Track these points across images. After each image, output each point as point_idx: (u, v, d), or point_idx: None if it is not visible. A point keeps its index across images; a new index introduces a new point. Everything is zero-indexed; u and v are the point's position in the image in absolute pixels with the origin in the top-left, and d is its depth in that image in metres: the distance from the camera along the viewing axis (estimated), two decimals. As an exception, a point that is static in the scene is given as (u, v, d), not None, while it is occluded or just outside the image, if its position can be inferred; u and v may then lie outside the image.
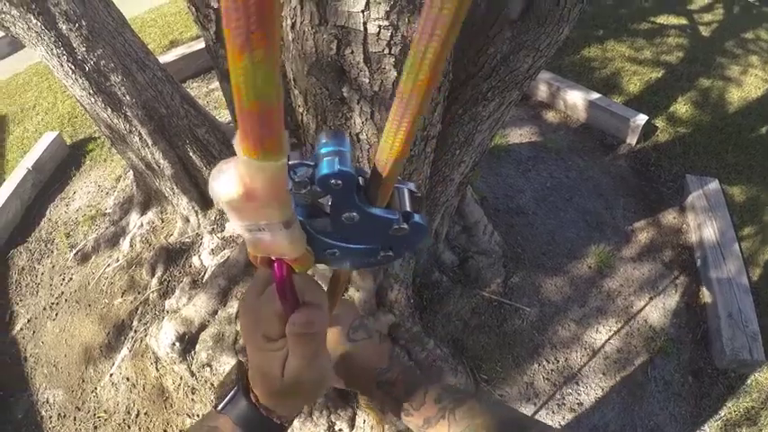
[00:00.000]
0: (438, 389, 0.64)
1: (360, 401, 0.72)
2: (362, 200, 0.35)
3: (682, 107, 3.77)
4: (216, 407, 0.48)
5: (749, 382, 2.40)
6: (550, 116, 3.67)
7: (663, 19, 4.90)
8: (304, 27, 1.09)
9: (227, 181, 0.26)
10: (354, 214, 0.34)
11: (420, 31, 0.23)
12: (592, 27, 4.66)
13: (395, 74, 1.12)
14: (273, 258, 0.37)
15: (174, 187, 2.17)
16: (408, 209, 0.37)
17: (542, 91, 3.79)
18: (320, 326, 0.40)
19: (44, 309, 2.40)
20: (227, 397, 0.48)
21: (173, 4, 4.90)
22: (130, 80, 1.73)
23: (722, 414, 2.29)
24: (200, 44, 3.63)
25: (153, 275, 2.30)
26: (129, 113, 1.78)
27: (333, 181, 0.32)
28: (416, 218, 0.37)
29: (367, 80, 1.14)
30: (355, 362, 0.64)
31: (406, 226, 0.36)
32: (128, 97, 1.75)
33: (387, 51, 1.07)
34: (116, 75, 1.67)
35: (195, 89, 3.73)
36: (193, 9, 1.27)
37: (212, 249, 2.24)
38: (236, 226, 0.30)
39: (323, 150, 0.32)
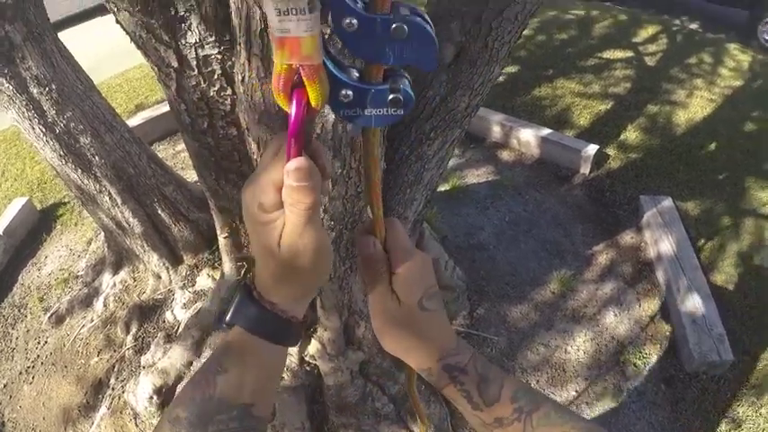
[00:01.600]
0: (514, 385, 0.65)
1: (408, 385, 0.76)
2: (356, 3, 0.42)
3: (632, 134, 4.45)
4: (224, 322, 0.54)
5: (722, 381, 2.84)
6: (505, 155, 4.28)
7: (609, 54, 5.71)
8: (252, 80, 1.50)
9: None
10: (352, 18, 0.42)
11: None
12: (541, 68, 5.42)
13: (333, 118, 1.52)
14: (291, 98, 0.45)
15: (145, 245, 2.58)
16: (407, 13, 0.44)
17: (496, 132, 4.42)
18: (315, 182, 0.45)
19: (20, 373, 2.75)
20: (232, 306, 0.54)
21: (138, 70, 5.49)
22: (99, 141, 2.16)
23: (700, 415, 2.72)
24: (166, 107, 4.16)
25: (128, 333, 2.67)
26: (98, 173, 2.21)
27: None
28: (414, 17, 0.43)
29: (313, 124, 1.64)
30: (421, 332, 0.62)
31: (404, 26, 0.42)
32: (97, 158, 2.17)
33: None
34: (85, 136, 2.11)
35: (162, 151, 4.27)
36: (155, 68, 1.67)
37: (184, 303, 2.62)
38: (269, 10, 0.39)
39: None
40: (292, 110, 0.45)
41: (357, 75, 0.49)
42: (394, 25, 0.43)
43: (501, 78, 4.77)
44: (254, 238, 0.50)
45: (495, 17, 1.68)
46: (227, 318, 0.54)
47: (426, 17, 0.46)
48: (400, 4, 0.45)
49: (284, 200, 0.46)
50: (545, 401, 0.64)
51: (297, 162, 0.45)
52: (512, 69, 5.32)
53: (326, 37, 0.50)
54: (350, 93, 0.47)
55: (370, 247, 0.60)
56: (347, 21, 0.42)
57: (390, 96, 0.48)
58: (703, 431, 2.67)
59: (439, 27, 1.85)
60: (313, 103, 0.45)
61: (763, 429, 2.68)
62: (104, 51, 5.25)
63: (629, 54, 5.74)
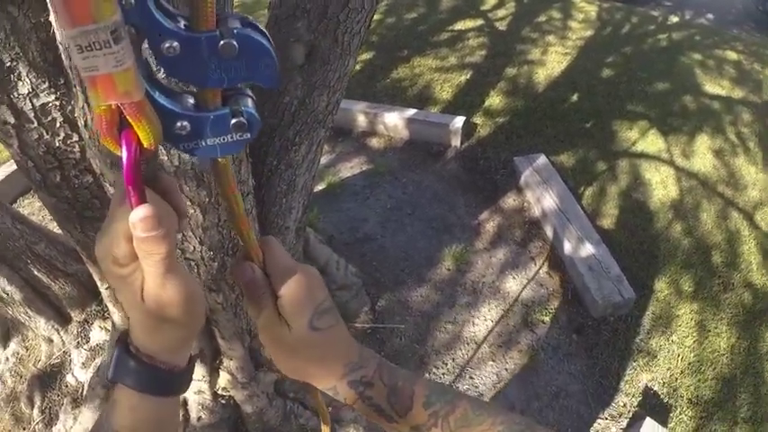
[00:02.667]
0: (426, 389, 0.66)
1: (314, 397, 0.77)
2: (175, 24, 0.41)
3: (495, 99, 4.80)
4: (108, 378, 0.54)
5: (629, 319, 3.16)
6: (375, 142, 4.47)
7: (460, 25, 6.11)
8: (95, 125, 1.61)
9: None
10: (172, 41, 0.40)
11: None
12: (396, 49, 5.69)
13: None
14: (121, 142, 0.43)
15: (29, 311, 2.53)
16: (237, 26, 0.42)
17: (361, 121, 4.60)
18: (166, 228, 0.45)
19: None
20: (112, 362, 0.54)
21: None
22: None
23: (616, 355, 3.00)
24: None
25: (33, 407, 2.61)
26: None
27: (124, 0, 0.37)
28: (244, 30, 0.42)
29: (165, 158, 1.48)
30: (317, 353, 0.63)
31: (233, 41, 0.41)
32: None
33: None
34: None
35: (27, 206, 4.08)
36: None
37: (83, 363, 2.59)
38: (70, 47, 0.36)
39: None
40: (123, 154, 0.43)
41: (192, 101, 0.47)
42: (222, 42, 0.42)
43: (357, 67, 4.98)
44: (117, 292, 0.50)
45: (342, 9, 1.78)
46: (109, 375, 0.54)
47: (260, 26, 0.45)
48: (229, 15, 0.44)
49: (137, 251, 0.46)
50: (460, 400, 0.66)
51: (141, 211, 0.44)
52: (367, 56, 5.54)
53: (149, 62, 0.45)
54: (186, 124, 0.46)
55: (247, 273, 0.60)
56: (167, 45, 0.41)
57: (233, 121, 0.47)
58: (622, 370, 2.95)
59: (285, 29, 1.89)
60: (145, 144, 0.43)
61: (678, 355, 3.02)
62: None
63: (480, 22, 6.17)
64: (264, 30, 0.44)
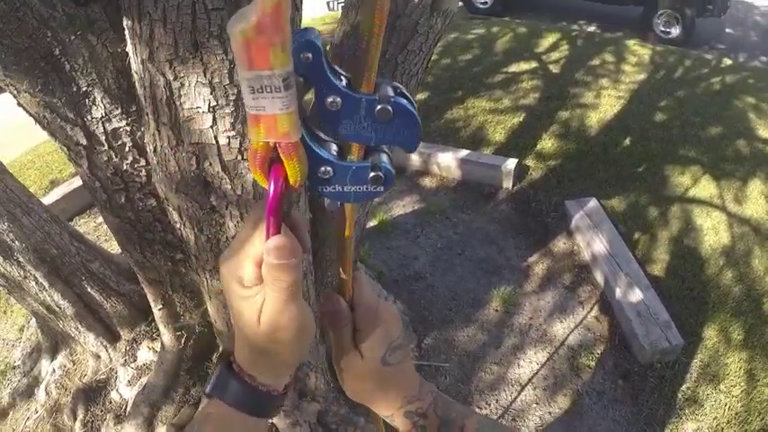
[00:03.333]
0: (476, 423, 0.71)
1: (375, 421, 0.84)
2: (340, 82, 0.47)
3: (547, 142, 4.91)
4: (206, 392, 0.57)
5: (677, 366, 3.18)
6: (428, 181, 4.63)
7: (514, 67, 6.26)
8: (164, 150, 1.55)
9: (243, 12, 0.38)
10: (336, 97, 0.46)
11: None
12: (450, 90, 5.88)
13: (251, 176, 1.51)
14: (268, 176, 0.48)
15: (79, 326, 2.67)
16: (391, 93, 0.48)
17: (415, 160, 4.77)
18: (297, 259, 0.48)
19: (-30, 474, 2.79)
20: (213, 378, 0.57)
21: (49, 143, 5.52)
22: (17, 225, 2.26)
23: (662, 403, 3.03)
24: (80, 180, 4.28)
25: (75, 419, 2.75)
26: (21, 259, 2.31)
27: (303, 54, 0.44)
28: (399, 99, 0.48)
29: (229, 186, 1.58)
30: (383, 385, 0.69)
31: (389, 107, 0.47)
32: (17, 243, 2.28)
33: (240, 158, 1.52)
34: (2, 222, 2.21)
35: (83, 225, 4.37)
36: (65, 149, 1.77)
37: (129, 381, 2.73)
38: (244, 87, 0.42)
39: (295, 34, 0.44)
40: (270, 187, 0.48)
41: (336, 149, 0.52)
42: (379, 107, 0.47)
43: (410, 108, 5.17)
44: (233, 312, 0.53)
45: (400, 51, 1.89)
46: (207, 389, 0.58)
47: (410, 96, 0.50)
48: (383, 81, 0.50)
49: (264, 277, 0.49)
50: None
51: (277, 240, 0.48)
52: (422, 96, 5.74)
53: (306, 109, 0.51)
54: (329, 169, 0.51)
55: (335, 305, 0.65)
56: (330, 99, 0.47)
57: (371, 174, 0.51)
58: (668, 418, 2.98)
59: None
60: (291, 181, 0.48)
61: (726, 404, 3.02)
62: (12, 125, 5.32)
63: (534, 65, 6.31)
64: (413, 99, 0.50)
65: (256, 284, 0.50)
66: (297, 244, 0.50)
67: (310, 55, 0.45)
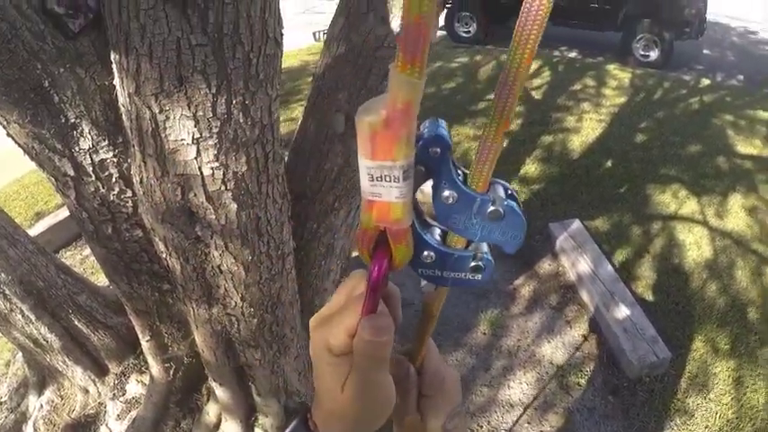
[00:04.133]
0: None
1: None
2: (458, 177, 0.49)
3: (531, 167, 5.05)
4: None
5: (666, 379, 3.27)
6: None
7: (495, 94, 6.44)
8: (150, 180, 1.61)
9: (373, 104, 0.40)
10: (453, 192, 0.48)
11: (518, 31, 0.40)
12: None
13: (235, 206, 1.65)
14: (374, 255, 0.50)
15: (66, 360, 2.69)
16: (503, 194, 0.50)
17: (398, 192, 4.90)
18: (389, 337, 0.49)
19: None
20: (288, 429, 0.59)
21: (34, 174, 5.56)
22: (3, 257, 2.28)
23: (653, 416, 3.10)
24: (67, 211, 4.21)
25: None
26: (6, 291, 2.33)
27: (432, 149, 0.46)
28: (510, 202, 0.49)
29: (214, 216, 1.66)
30: None
31: (500, 209, 0.48)
32: (3, 275, 2.30)
33: (223, 188, 1.59)
34: None
35: (69, 258, 4.38)
36: (53, 179, 1.81)
37: (118, 415, 2.75)
38: (362, 174, 0.43)
39: (426, 125, 0.48)
40: (374, 268, 0.49)
41: (440, 233, 0.53)
42: (491, 208, 0.49)
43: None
44: (317, 373, 0.54)
45: (381, 81, 1.96)
46: None
47: (518, 199, 0.51)
48: (495, 181, 0.51)
49: (355, 349, 0.50)
50: None
51: (376, 320, 0.49)
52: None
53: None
54: (432, 254, 0.52)
55: (404, 369, 0.67)
56: (447, 194, 0.48)
57: (472, 264, 0.53)
58: (659, 430, 3.04)
59: (328, 99, 2.13)
60: (395, 263, 0.50)
61: (716, 413, 3.10)
62: None
63: (515, 91, 6.49)
64: (520, 202, 0.51)
65: (345, 353, 0.51)
66: (391, 322, 0.50)
67: (438, 150, 0.47)
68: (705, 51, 9.34)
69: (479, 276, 0.53)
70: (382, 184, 0.43)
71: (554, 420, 3.10)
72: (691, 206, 4.54)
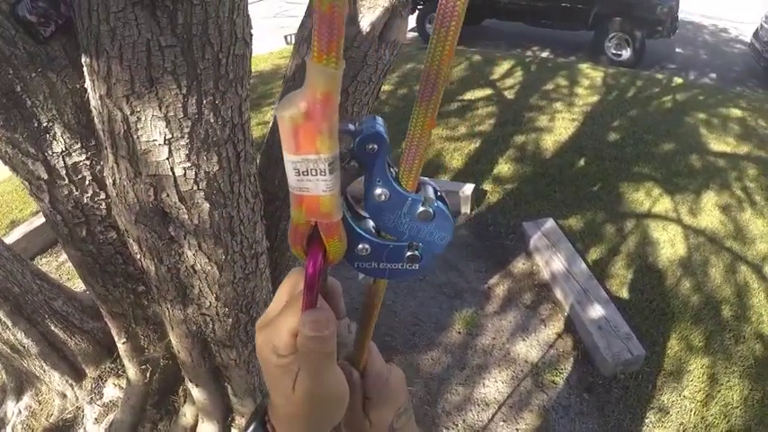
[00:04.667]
0: None
1: None
2: (392, 176, 0.49)
3: (504, 166, 5.15)
4: None
5: (640, 376, 3.35)
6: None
7: (470, 94, 6.54)
8: (123, 182, 1.65)
9: (293, 98, 0.40)
10: (386, 190, 0.49)
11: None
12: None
13: (208, 206, 1.69)
14: (308, 251, 0.50)
15: (44, 365, 2.72)
16: (433, 195, 0.52)
17: (373, 193, 4.95)
18: (330, 331, 0.50)
19: None
20: (247, 430, 0.60)
21: (9, 183, 5.54)
22: None
23: (628, 413, 3.18)
24: (42, 219, 4.28)
25: None
26: None
27: (368, 145, 0.47)
28: (440, 204, 0.51)
29: (187, 216, 1.70)
30: None
31: (430, 210, 0.50)
32: None
33: (196, 188, 1.64)
34: None
35: (45, 264, 4.39)
36: (26, 183, 1.85)
37: (96, 418, 2.78)
38: (288, 169, 0.44)
39: (363, 122, 0.48)
40: (309, 264, 0.49)
41: (374, 226, 0.53)
42: (421, 209, 0.50)
43: (367, 139, 5.38)
44: (268, 377, 0.55)
45: (350, 83, 2.02)
46: None
47: (446, 201, 0.52)
48: (425, 182, 0.53)
49: (299, 347, 0.50)
50: None
51: (314, 314, 0.49)
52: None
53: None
54: (367, 247, 0.52)
55: (346, 375, 0.65)
56: (379, 192, 0.49)
57: (408, 253, 0.53)
58: (635, 427, 3.12)
59: None
60: (330, 258, 0.51)
61: (691, 410, 3.18)
62: None
63: (489, 92, 6.60)
64: (449, 205, 0.52)
65: (291, 353, 0.51)
66: (332, 315, 0.51)
67: (375, 147, 0.48)
68: (678, 50, 9.56)
69: (416, 266, 0.54)
70: (309, 178, 0.44)
71: (529, 418, 3.17)
72: (664, 204, 4.66)
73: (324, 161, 0.42)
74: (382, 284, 0.62)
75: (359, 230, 0.52)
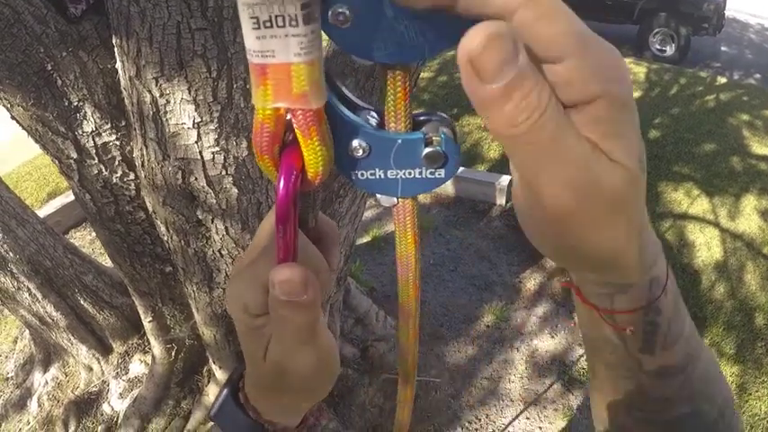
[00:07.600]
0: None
1: None
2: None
3: (542, 159, 5.02)
4: (210, 415, 0.50)
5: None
6: (421, 198, 4.57)
7: (510, 84, 6.40)
8: (151, 164, 1.65)
9: None
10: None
11: None
12: (446, 107, 5.98)
13: (236, 191, 1.66)
14: (280, 163, 0.34)
15: (72, 338, 2.76)
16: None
17: (408, 180, 4.88)
18: (310, 296, 0.35)
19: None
20: (218, 402, 0.49)
21: (46, 157, 5.64)
22: (11, 237, 2.36)
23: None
24: None
25: (67, 431, 2.84)
26: (14, 270, 2.40)
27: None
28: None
29: (215, 201, 1.68)
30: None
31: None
32: (11, 254, 2.37)
33: (224, 173, 1.62)
34: None
35: (79, 239, 4.45)
36: (56, 161, 1.88)
37: (120, 393, 2.82)
38: (244, 19, 0.28)
39: None
40: (280, 183, 0.33)
41: (376, 118, 0.37)
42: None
43: (405, 125, 5.30)
44: (241, 339, 0.42)
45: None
46: (211, 412, 0.49)
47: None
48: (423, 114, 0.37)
49: (271, 312, 0.37)
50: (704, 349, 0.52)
51: (285, 271, 0.34)
52: (417, 112, 5.85)
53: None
54: (365, 144, 0.35)
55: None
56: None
57: (425, 150, 0.35)
58: None
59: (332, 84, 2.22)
60: (309, 171, 0.34)
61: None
62: (11, 139, 5.43)
63: (530, 82, 6.44)
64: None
65: (265, 312, 0.38)
66: (308, 273, 0.35)
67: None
68: (723, 48, 9.20)
69: (442, 171, 0.36)
70: (274, 33, 0.28)
71: (553, 416, 3.09)
72: (702, 206, 4.49)
73: (293, 5, 0.27)
74: (411, 206, 0.39)
75: (351, 118, 0.35)
